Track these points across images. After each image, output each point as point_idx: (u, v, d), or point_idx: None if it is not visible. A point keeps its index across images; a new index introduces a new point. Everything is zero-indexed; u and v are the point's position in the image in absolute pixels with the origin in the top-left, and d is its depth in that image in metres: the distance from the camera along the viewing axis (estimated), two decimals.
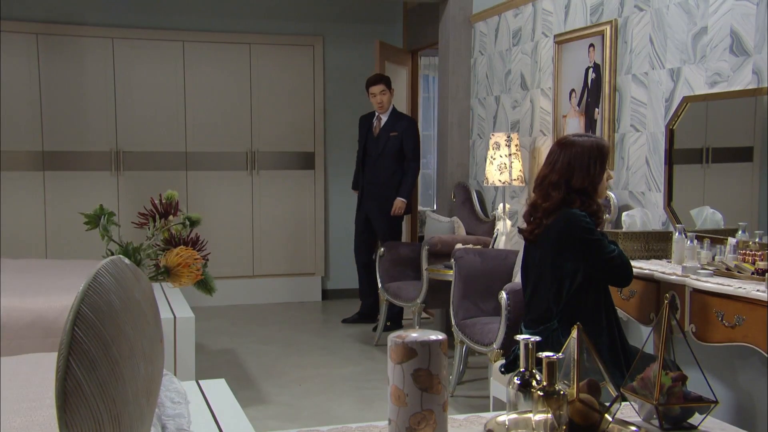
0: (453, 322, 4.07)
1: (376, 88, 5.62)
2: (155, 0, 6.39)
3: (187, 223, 2.34)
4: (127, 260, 1.58)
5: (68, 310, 1.30)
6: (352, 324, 5.89)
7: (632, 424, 1.81)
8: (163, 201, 2.35)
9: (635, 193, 3.78)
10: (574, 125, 4.25)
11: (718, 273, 2.84)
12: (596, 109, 4.06)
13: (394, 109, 5.70)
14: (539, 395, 1.65)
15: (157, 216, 2.28)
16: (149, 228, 2.26)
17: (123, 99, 6.32)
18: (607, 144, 2.98)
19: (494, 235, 4.73)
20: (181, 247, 2.24)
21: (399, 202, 5.57)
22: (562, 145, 2.88)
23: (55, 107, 6.16)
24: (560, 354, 1.71)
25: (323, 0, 6.76)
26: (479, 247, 4.61)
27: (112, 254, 2.12)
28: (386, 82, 5.64)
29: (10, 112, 6.00)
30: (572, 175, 2.80)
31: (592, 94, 4.11)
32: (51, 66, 6.13)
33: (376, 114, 5.68)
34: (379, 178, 5.64)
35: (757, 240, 2.91)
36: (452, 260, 4.18)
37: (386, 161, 5.62)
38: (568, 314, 2.79)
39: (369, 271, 5.77)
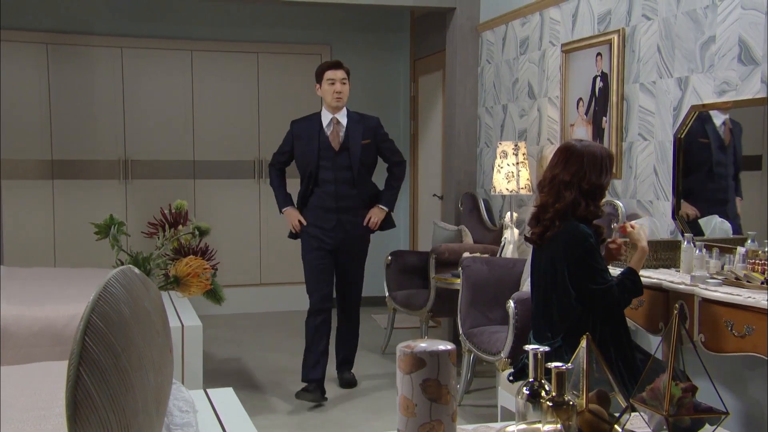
0: (460, 331, 4.06)
1: (338, 73, 4.25)
2: (164, 10, 6.42)
3: (197, 232, 2.35)
4: (137, 270, 1.59)
5: (77, 318, 1.30)
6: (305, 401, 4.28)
7: None
8: (173, 211, 2.36)
9: (643, 201, 3.78)
10: (581, 134, 4.24)
11: (727, 282, 2.83)
12: (604, 118, 4.06)
13: (348, 109, 4.40)
14: (548, 406, 1.64)
15: (167, 226, 2.29)
16: (159, 238, 2.28)
17: (131, 108, 6.35)
18: (611, 151, 3.01)
19: (502, 244, 4.73)
20: (191, 256, 2.25)
21: (379, 212, 4.37)
22: (569, 148, 2.88)
23: (64, 116, 6.19)
24: (569, 364, 1.71)
25: (330, 9, 6.78)
26: (487, 255, 4.61)
27: (122, 264, 2.13)
28: (347, 71, 4.35)
29: (19, 120, 6.04)
30: (584, 176, 2.80)
31: (599, 103, 4.11)
32: (60, 75, 6.17)
33: (330, 117, 4.29)
34: (354, 205, 4.34)
35: (766, 249, 2.89)
36: (459, 269, 4.18)
37: (363, 180, 4.34)
38: (572, 333, 2.78)
39: (325, 329, 4.36)
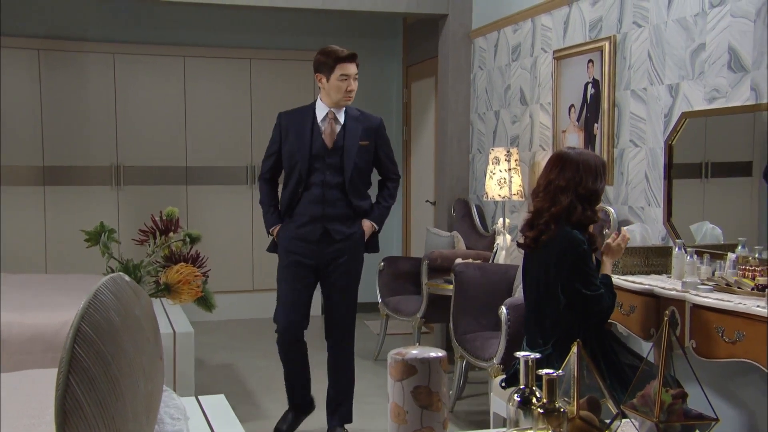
0: (453, 337, 4.06)
1: (353, 68, 3.62)
2: (156, 15, 6.42)
3: (188, 240, 2.35)
4: (127, 277, 1.59)
5: (68, 325, 1.30)
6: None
7: None
8: (164, 218, 2.36)
9: (635, 208, 3.79)
10: (573, 140, 4.26)
11: (717, 288, 2.85)
12: (595, 125, 4.07)
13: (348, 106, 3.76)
14: (539, 412, 1.65)
15: (158, 233, 2.29)
16: (149, 245, 2.27)
17: (124, 114, 6.34)
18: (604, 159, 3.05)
19: (494, 250, 4.74)
20: (182, 264, 2.25)
21: (369, 226, 3.74)
22: (563, 156, 2.91)
23: (57, 122, 6.18)
24: (560, 371, 1.71)
25: (323, 15, 6.79)
26: (479, 261, 4.61)
27: (113, 271, 2.12)
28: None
29: (11, 127, 6.03)
30: (581, 182, 2.83)
31: (591, 110, 4.12)
32: (52, 81, 6.16)
33: (327, 111, 3.66)
34: (344, 213, 3.68)
35: (756, 255, 2.91)
36: (452, 275, 4.18)
37: (355, 187, 3.68)
38: (563, 340, 2.79)
39: (302, 351, 3.81)
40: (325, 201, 3.63)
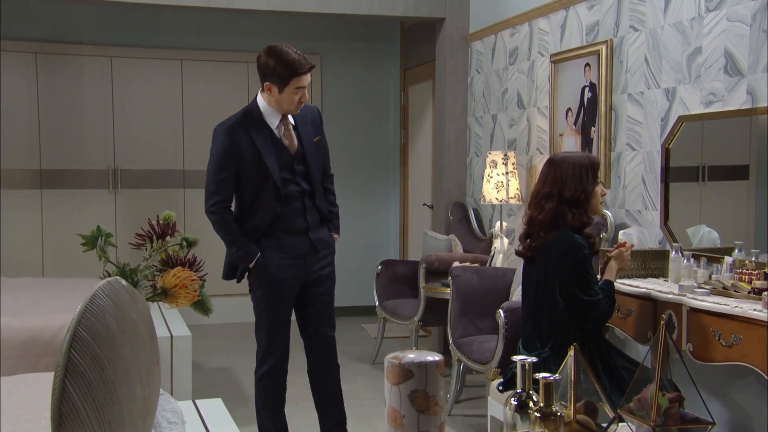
0: (450, 341, 4.06)
1: (308, 78, 3.26)
2: (153, 19, 6.42)
3: (185, 243, 2.35)
4: (123, 281, 1.58)
5: (65, 329, 1.30)
6: None
7: None
8: (161, 221, 2.36)
9: (632, 211, 3.80)
10: (570, 144, 4.27)
11: (714, 292, 2.85)
12: (592, 128, 4.08)
13: None
14: (536, 416, 1.65)
15: (155, 237, 2.29)
16: (146, 249, 2.27)
17: (121, 117, 6.35)
18: (596, 158, 3.05)
19: (491, 253, 4.74)
20: (178, 268, 2.25)
21: (336, 239, 3.53)
22: (552, 161, 2.96)
23: (54, 126, 6.18)
24: (557, 375, 1.72)
25: (320, 19, 6.80)
26: (476, 265, 4.62)
27: (110, 275, 2.12)
28: None
29: (8, 130, 6.03)
30: (564, 186, 2.85)
31: (588, 113, 4.13)
32: (49, 85, 6.16)
33: (280, 117, 3.33)
34: (320, 221, 3.45)
35: (753, 259, 2.91)
36: (449, 278, 4.18)
37: (319, 191, 3.45)
38: (560, 343, 2.80)
39: (281, 386, 3.48)
40: (306, 211, 3.37)
